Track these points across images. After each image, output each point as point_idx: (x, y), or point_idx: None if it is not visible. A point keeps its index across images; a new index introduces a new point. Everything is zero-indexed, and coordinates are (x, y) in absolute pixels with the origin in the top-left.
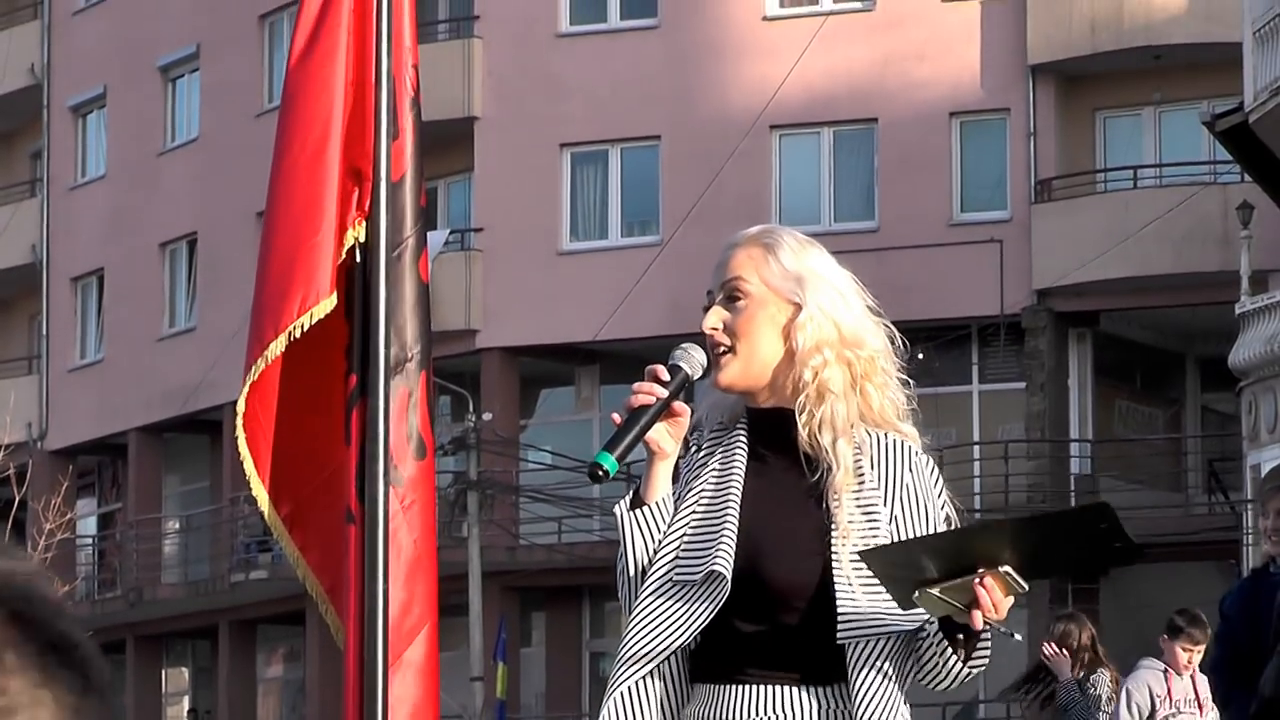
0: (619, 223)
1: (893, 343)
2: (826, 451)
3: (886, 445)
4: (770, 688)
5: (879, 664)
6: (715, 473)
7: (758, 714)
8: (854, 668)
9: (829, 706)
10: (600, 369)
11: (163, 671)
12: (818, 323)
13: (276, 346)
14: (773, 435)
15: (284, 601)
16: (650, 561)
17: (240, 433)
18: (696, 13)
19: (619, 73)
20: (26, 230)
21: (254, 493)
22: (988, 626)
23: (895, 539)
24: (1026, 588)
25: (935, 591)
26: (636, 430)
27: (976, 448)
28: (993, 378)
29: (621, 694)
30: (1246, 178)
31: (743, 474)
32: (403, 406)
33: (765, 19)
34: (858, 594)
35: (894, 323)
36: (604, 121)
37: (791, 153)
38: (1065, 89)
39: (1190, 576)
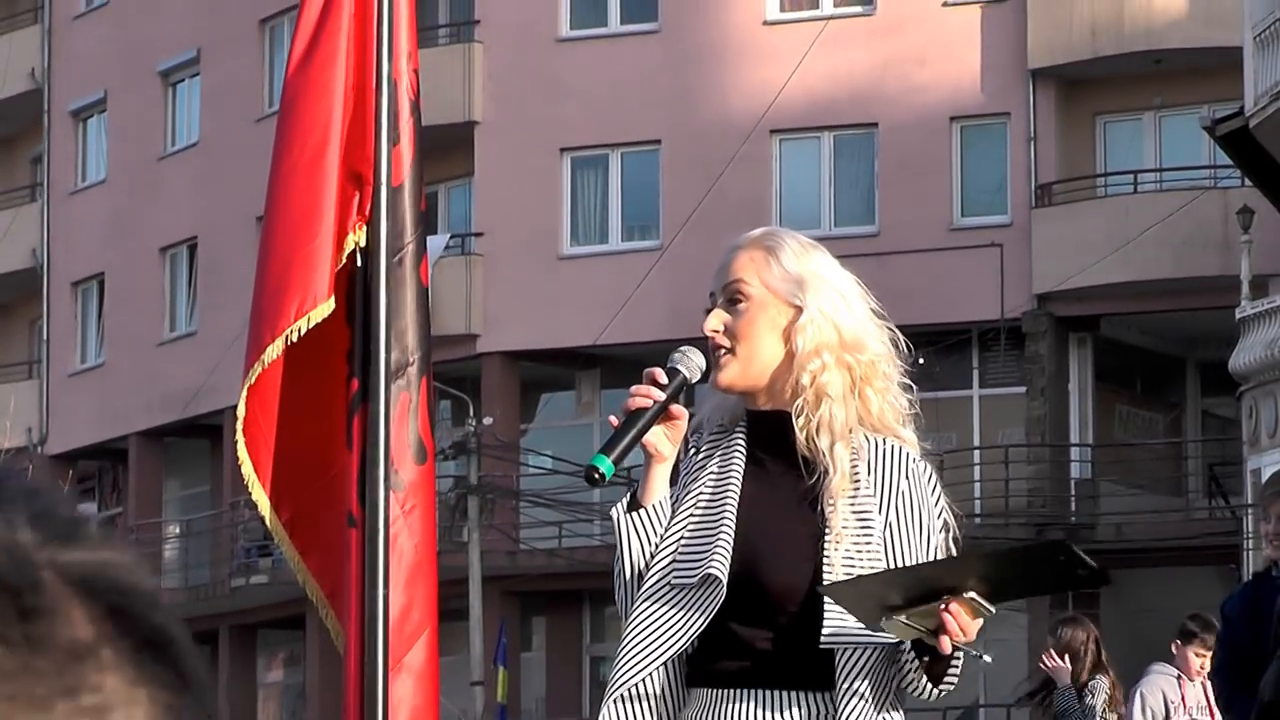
0: (619, 227)
1: (896, 346)
2: (824, 455)
3: (883, 451)
4: (765, 693)
5: (866, 672)
6: (713, 475)
7: None
8: (841, 675)
9: (822, 713)
10: (601, 373)
11: None
12: (818, 326)
13: (273, 350)
14: (771, 438)
15: (284, 606)
16: (647, 564)
17: (240, 437)
18: (697, 17)
19: (619, 77)
20: (27, 235)
21: (255, 497)
22: (958, 649)
23: (886, 546)
24: (994, 611)
25: (902, 618)
26: (634, 433)
27: (977, 452)
28: (993, 382)
29: (620, 698)
30: (1247, 182)
31: (740, 477)
32: (403, 411)
33: (765, 23)
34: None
35: (895, 328)
36: (604, 126)
37: (792, 157)
38: (1066, 93)
39: (1190, 581)
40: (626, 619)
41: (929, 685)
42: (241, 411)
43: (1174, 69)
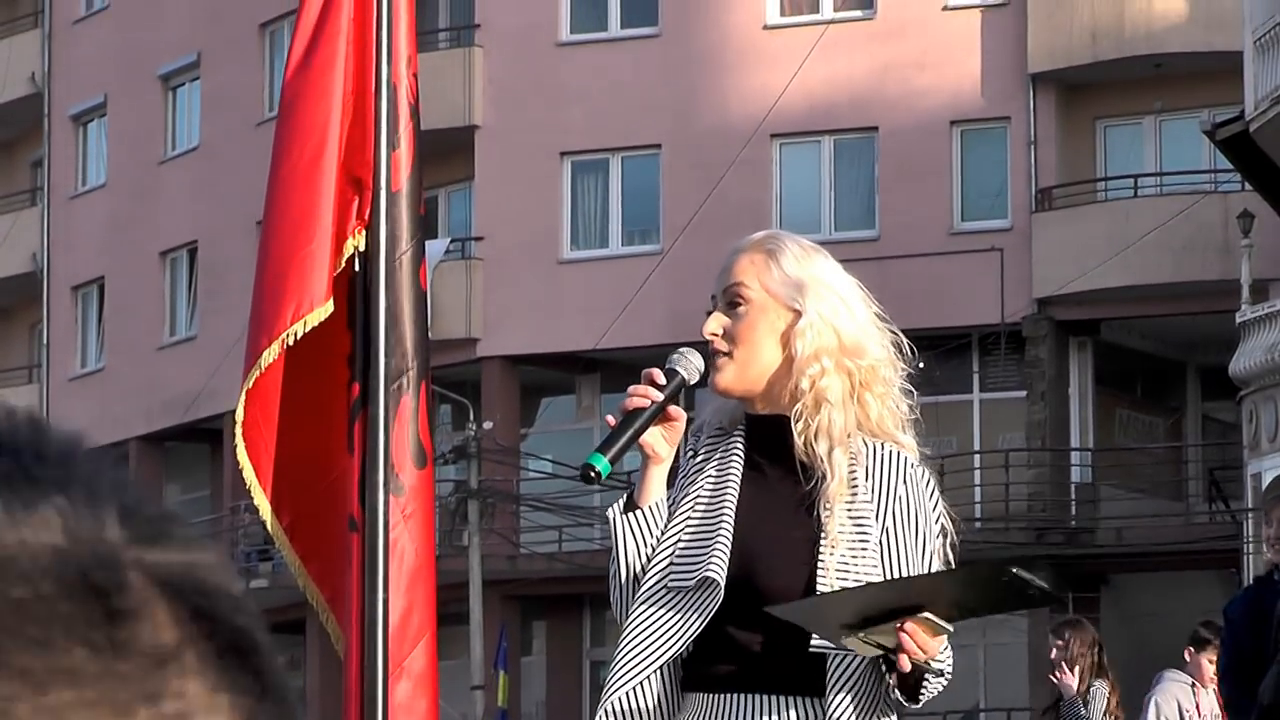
0: (619, 231)
1: (898, 350)
2: (822, 460)
3: (882, 456)
4: (758, 697)
5: (856, 677)
6: (711, 479)
7: None
8: (831, 680)
9: (815, 717)
10: (601, 378)
11: None
12: (817, 330)
13: (270, 354)
14: (770, 442)
15: (284, 610)
16: (643, 566)
17: (240, 442)
18: (697, 21)
19: (619, 81)
20: (27, 239)
21: (256, 502)
22: (917, 666)
23: (883, 551)
24: (951, 629)
25: (861, 635)
26: (630, 433)
27: (977, 456)
28: (993, 386)
29: (616, 701)
30: (1247, 186)
31: (739, 481)
32: (403, 416)
33: (766, 28)
34: None
35: (898, 331)
36: (604, 130)
37: (792, 161)
38: (1066, 98)
39: (1191, 585)
40: (623, 621)
41: (905, 698)
42: (240, 415)
43: (1174, 73)
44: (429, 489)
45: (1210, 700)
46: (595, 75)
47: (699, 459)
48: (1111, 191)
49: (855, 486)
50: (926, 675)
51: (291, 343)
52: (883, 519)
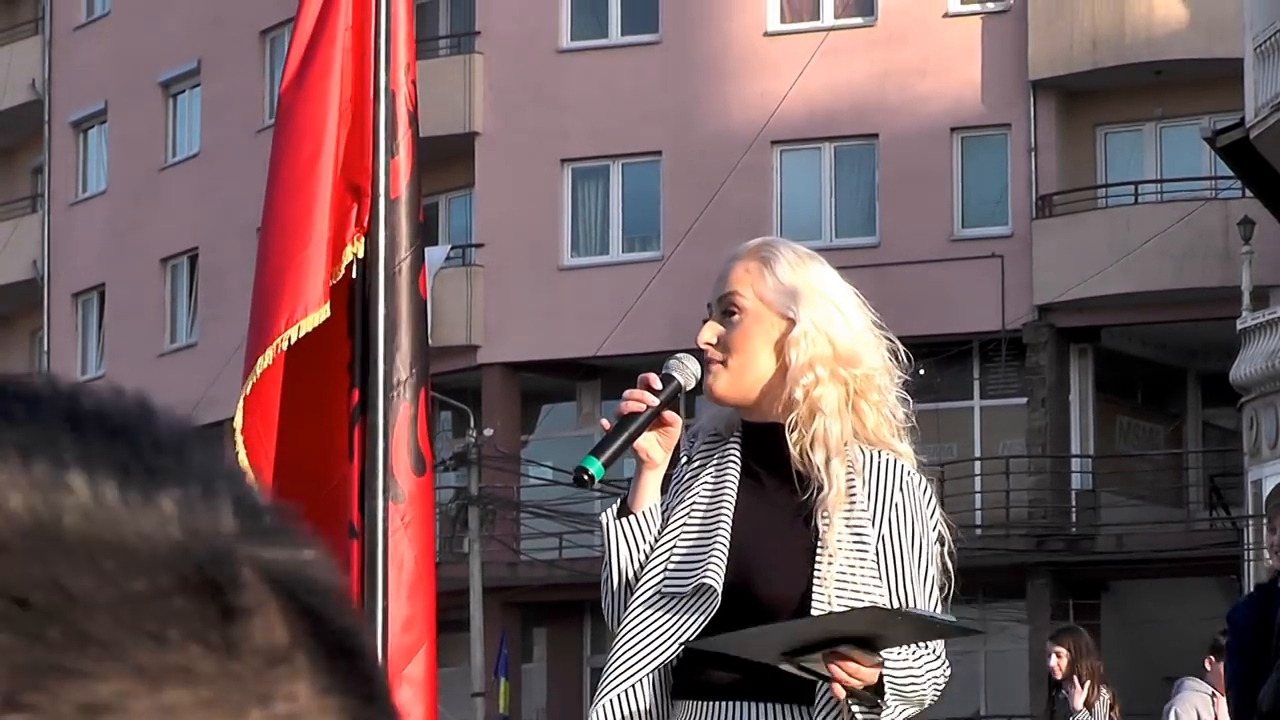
0: (620, 238)
1: (895, 358)
2: (819, 470)
3: (878, 464)
4: (751, 705)
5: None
6: (708, 486)
7: None
8: (821, 690)
9: None
10: (601, 384)
11: None
12: (811, 339)
13: (264, 360)
14: (766, 451)
15: None
16: (636, 572)
17: (241, 448)
18: (698, 28)
19: (620, 88)
20: (27, 246)
21: None
22: (854, 694)
23: (880, 559)
24: (880, 658)
25: (801, 660)
26: (625, 437)
27: (978, 463)
28: (994, 393)
29: (608, 703)
30: (1248, 193)
31: (735, 488)
32: (403, 422)
33: (766, 34)
34: None
35: (895, 338)
36: (605, 137)
37: (792, 168)
38: (1066, 104)
39: (1191, 592)
40: (615, 626)
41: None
42: (239, 422)
43: (1175, 80)
44: (428, 496)
45: None
46: (596, 82)
47: (694, 465)
48: (1112, 198)
49: (854, 497)
50: (889, 700)
51: (285, 348)
52: (879, 527)
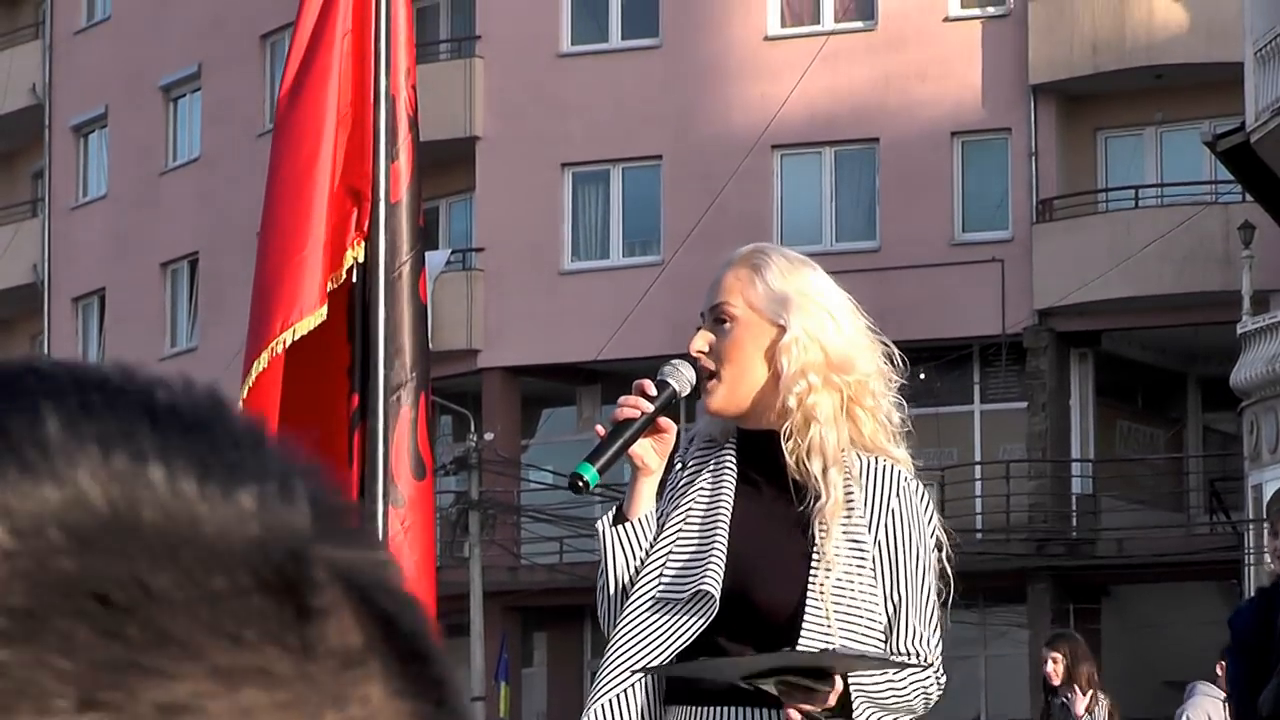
0: (620, 243)
1: (891, 362)
2: (816, 479)
3: (875, 471)
4: (744, 711)
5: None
6: (704, 492)
7: None
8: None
9: None
10: (602, 389)
11: None
12: (803, 346)
13: (260, 364)
14: (762, 458)
15: None
16: (632, 579)
17: None
18: (698, 32)
19: (620, 92)
20: (28, 250)
21: None
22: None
23: (876, 565)
24: (829, 686)
25: (756, 683)
26: (620, 443)
27: (978, 467)
28: (994, 397)
29: (603, 705)
30: (1248, 197)
31: (732, 495)
32: (402, 427)
33: (767, 39)
34: (832, 627)
35: (895, 343)
36: (605, 141)
37: (793, 172)
38: (1067, 109)
39: (1191, 596)
40: (612, 629)
41: None
42: None
43: (1175, 84)
44: (429, 501)
45: None
46: (596, 86)
47: (688, 471)
48: (1112, 203)
49: (851, 505)
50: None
51: (281, 350)
52: (875, 533)
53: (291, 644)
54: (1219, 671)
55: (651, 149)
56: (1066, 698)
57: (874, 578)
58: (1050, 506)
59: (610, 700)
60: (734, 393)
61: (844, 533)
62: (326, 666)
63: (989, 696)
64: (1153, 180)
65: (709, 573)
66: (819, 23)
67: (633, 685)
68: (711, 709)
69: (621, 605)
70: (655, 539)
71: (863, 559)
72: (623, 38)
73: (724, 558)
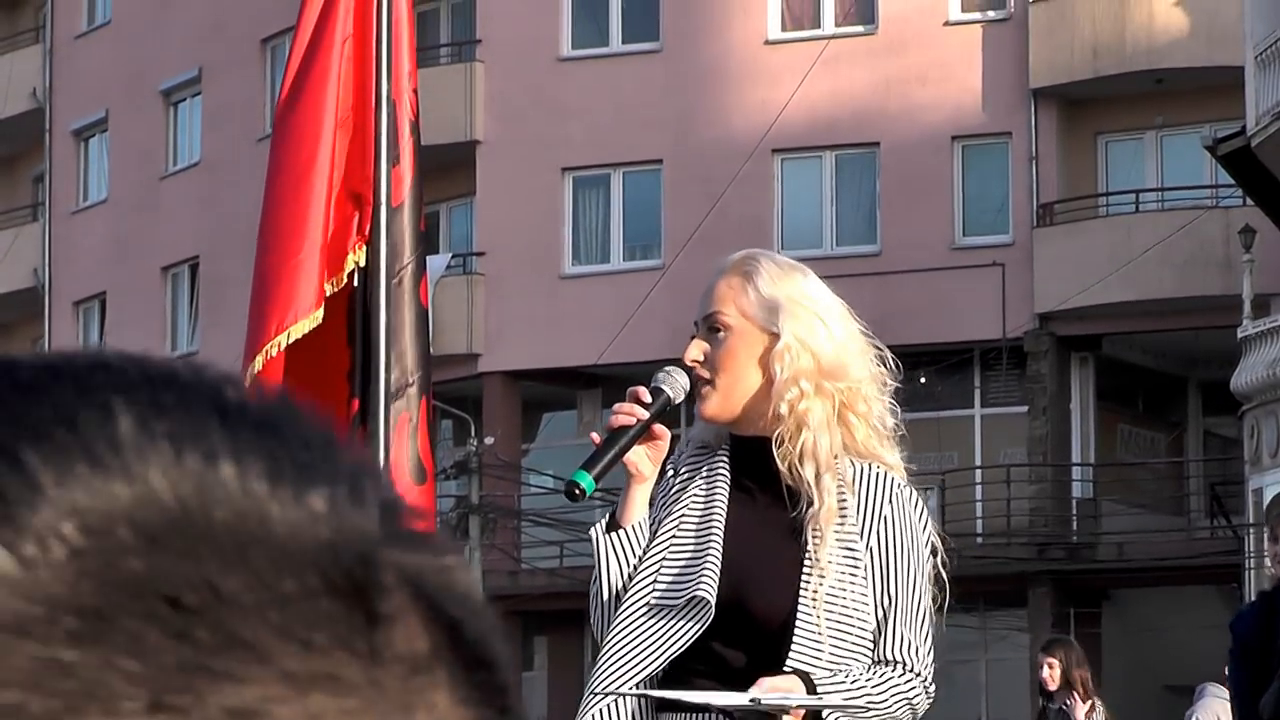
0: (621, 247)
1: (884, 365)
2: (809, 485)
3: (868, 477)
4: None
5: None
6: (698, 499)
7: None
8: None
9: None
10: (602, 393)
11: None
12: (795, 353)
13: (255, 366)
14: (756, 464)
15: None
16: (625, 585)
17: None
18: (698, 36)
19: (621, 96)
20: (28, 254)
21: None
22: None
23: (869, 573)
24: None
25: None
26: (615, 450)
27: (978, 471)
28: (994, 401)
29: (597, 713)
30: (1248, 201)
31: (726, 501)
32: (403, 431)
33: (767, 43)
34: (823, 634)
35: (896, 346)
36: (606, 145)
37: (793, 176)
38: (1067, 113)
39: (1192, 600)
40: (604, 636)
41: None
42: None
43: (1175, 88)
44: (429, 505)
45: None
46: (596, 90)
47: (680, 478)
48: (1113, 207)
49: (844, 511)
50: None
51: (275, 354)
52: (868, 539)
53: (360, 649)
54: (1227, 673)
55: (652, 153)
56: (1065, 704)
57: (866, 584)
58: (1051, 510)
59: (602, 710)
60: (728, 399)
61: (837, 539)
62: (394, 673)
63: (989, 701)
64: (1153, 184)
65: (704, 578)
66: (819, 27)
67: (628, 692)
68: (702, 717)
69: (614, 612)
70: (648, 545)
71: (855, 565)
72: (623, 41)
73: (719, 563)
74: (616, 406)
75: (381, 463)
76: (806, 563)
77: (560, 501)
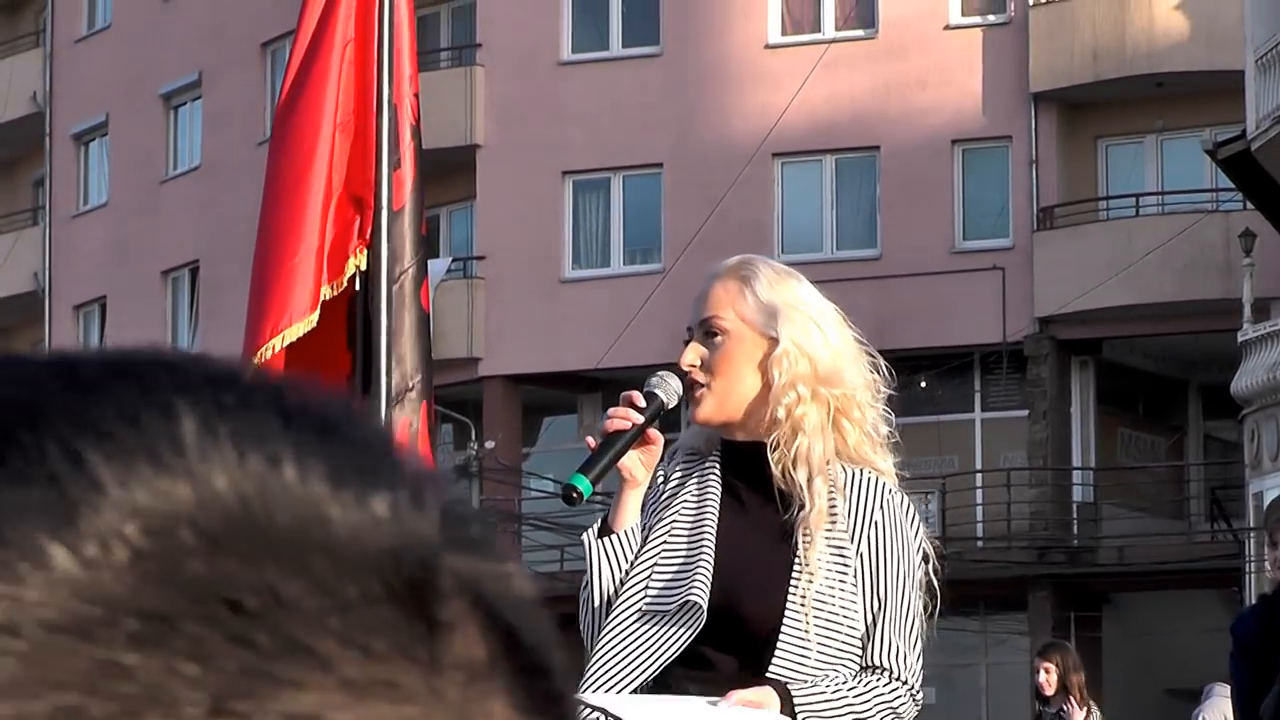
0: (621, 251)
1: (879, 373)
2: (801, 489)
3: (860, 482)
4: None
5: (823, 703)
6: (689, 504)
7: None
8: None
9: None
10: (603, 397)
11: None
12: (792, 358)
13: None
14: (747, 469)
15: None
16: (616, 591)
17: None
18: (698, 40)
19: (621, 100)
20: (28, 258)
21: None
22: None
23: (859, 578)
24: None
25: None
26: (611, 455)
27: (979, 475)
28: (995, 405)
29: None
30: (1249, 205)
31: (717, 506)
32: (404, 435)
33: (767, 46)
34: (810, 638)
35: (896, 351)
36: (606, 149)
37: (793, 180)
38: (1067, 116)
39: (1192, 604)
40: (595, 641)
41: None
42: None
43: (1176, 92)
44: None
45: None
46: (596, 94)
47: (672, 483)
48: (1113, 210)
49: (835, 515)
50: None
51: (270, 356)
52: (858, 544)
53: (420, 657)
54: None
55: (652, 157)
56: (1063, 709)
57: (856, 588)
58: (1051, 514)
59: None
60: (723, 403)
61: (827, 542)
62: (452, 680)
63: (989, 704)
64: (1153, 188)
65: (696, 584)
66: (820, 31)
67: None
68: None
69: (605, 617)
70: (640, 551)
71: (845, 568)
72: (623, 46)
73: (711, 569)
74: (611, 411)
75: None
76: (796, 565)
77: (560, 506)
